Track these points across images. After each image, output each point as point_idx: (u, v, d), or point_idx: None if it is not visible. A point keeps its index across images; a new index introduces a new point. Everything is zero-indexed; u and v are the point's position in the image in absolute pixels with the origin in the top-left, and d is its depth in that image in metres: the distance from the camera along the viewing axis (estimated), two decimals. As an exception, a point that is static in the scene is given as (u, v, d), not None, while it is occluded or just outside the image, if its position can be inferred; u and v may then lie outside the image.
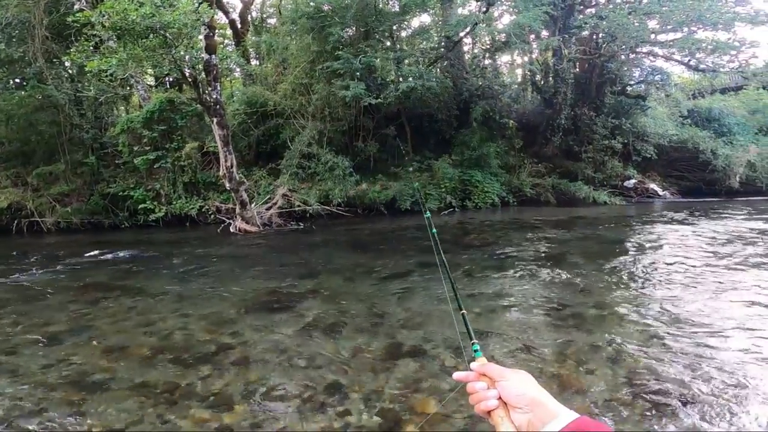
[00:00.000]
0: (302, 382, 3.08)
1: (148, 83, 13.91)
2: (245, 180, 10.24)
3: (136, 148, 11.44)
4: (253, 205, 10.33)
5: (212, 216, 10.96)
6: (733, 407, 2.61)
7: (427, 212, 1.51)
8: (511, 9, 13.70)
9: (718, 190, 14.02)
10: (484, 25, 12.10)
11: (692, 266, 5.84)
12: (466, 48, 15.20)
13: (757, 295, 4.57)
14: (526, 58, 15.58)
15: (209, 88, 9.26)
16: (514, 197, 12.58)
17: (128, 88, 12.79)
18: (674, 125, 15.03)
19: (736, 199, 13.10)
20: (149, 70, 12.04)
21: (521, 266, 6.14)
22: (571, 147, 13.85)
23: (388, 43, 13.60)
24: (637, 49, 13.55)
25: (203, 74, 9.39)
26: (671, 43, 12.71)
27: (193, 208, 11.03)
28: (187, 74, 9.50)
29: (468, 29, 12.66)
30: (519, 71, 17.13)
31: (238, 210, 9.83)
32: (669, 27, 12.50)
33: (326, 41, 11.55)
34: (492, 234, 8.78)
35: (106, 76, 9.58)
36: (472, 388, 0.75)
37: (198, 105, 10.51)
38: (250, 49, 15.55)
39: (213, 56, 9.15)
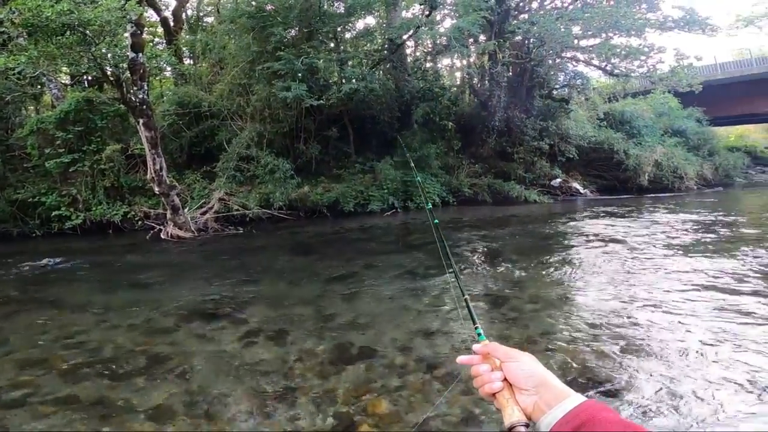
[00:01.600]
0: (249, 388, 2.94)
1: (63, 82, 12.64)
2: (177, 184, 9.63)
3: (48, 151, 10.36)
4: (186, 210, 9.74)
5: (140, 222, 10.20)
6: (664, 398, 2.81)
7: (429, 204, 1.49)
8: (452, 13, 14.15)
9: (630, 188, 15.45)
10: (427, 28, 12.40)
11: (616, 257, 6.39)
12: (408, 51, 15.57)
13: (680, 282, 5.04)
14: (464, 62, 16.16)
15: (135, 88, 8.63)
16: (453, 197, 12.99)
17: (39, 86, 11.55)
18: (592, 127, 16.36)
19: (646, 196, 14.55)
20: (64, 68, 10.99)
21: (461, 264, 6.35)
22: (505, 148, 14.58)
23: (332, 45, 13.55)
24: (563, 54, 14.59)
25: (128, 73, 8.72)
26: (591, 48, 13.86)
27: (116, 214, 10.19)
28: (109, 73, 8.79)
29: (411, 32, 12.92)
30: (458, 74, 17.80)
31: (169, 215, 9.22)
32: (590, 33, 13.62)
33: (267, 41, 11.23)
34: (433, 234, 8.95)
35: (14, 74, 8.58)
36: (476, 370, 0.73)
37: (121, 105, 9.74)
38: (184, 48, 14.73)
39: (140, 55, 8.55)
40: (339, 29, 13.55)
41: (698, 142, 18.82)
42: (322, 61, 11.27)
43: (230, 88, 12.12)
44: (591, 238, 8.05)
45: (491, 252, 7.11)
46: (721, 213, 10.60)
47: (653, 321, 3.92)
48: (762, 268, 5.34)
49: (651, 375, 2.97)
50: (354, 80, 11.53)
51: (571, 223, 9.95)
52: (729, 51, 34.38)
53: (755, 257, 5.85)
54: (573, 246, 7.47)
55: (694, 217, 10.12)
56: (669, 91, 17.12)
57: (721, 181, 18.48)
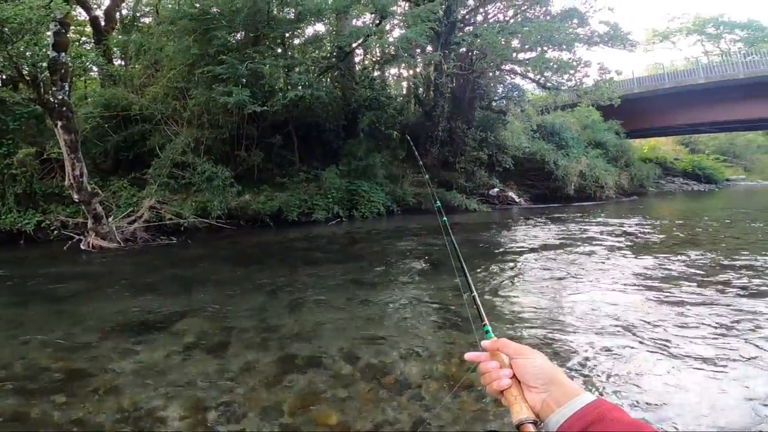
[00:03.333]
0: (187, 403, 2.73)
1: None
2: (99, 191, 8.85)
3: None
4: (111, 218, 8.97)
5: (55, 232, 9.23)
6: (607, 389, 3.00)
7: (437, 202, 1.43)
8: (402, 23, 14.36)
9: (559, 197, 16.49)
10: (376, 37, 12.47)
11: (553, 261, 6.79)
12: (357, 59, 15.57)
13: (603, 286, 5.39)
14: (411, 72, 16.46)
15: (54, 88, 7.88)
16: (398, 206, 13.10)
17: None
18: (527, 138, 17.20)
19: (572, 204, 15.64)
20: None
21: (406, 272, 6.42)
22: (447, 158, 14.99)
23: (279, 50, 13.25)
24: (502, 66, 15.32)
25: (47, 73, 7.99)
26: (527, 61, 14.67)
27: (28, 223, 9.15)
28: (25, 72, 7.99)
29: (360, 40, 12.93)
30: (404, 84, 18.07)
31: (90, 224, 8.43)
32: (527, 47, 14.41)
33: (210, 45, 10.72)
34: (378, 242, 9.03)
35: None
36: (485, 367, 0.72)
37: (37, 106, 8.84)
38: (115, 49, 13.74)
39: (62, 54, 7.85)
40: (287, 35, 13.29)
41: (616, 153, 20.55)
42: (268, 66, 10.94)
43: (165, 92, 11.41)
44: (526, 244, 8.52)
45: (435, 260, 7.24)
46: (638, 219, 11.73)
47: (587, 318, 4.20)
48: (677, 266, 6.01)
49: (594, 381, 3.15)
50: (300, 87, 11.32)
51: (509, 230, 10.51)
52: (645, 66, 38.15)
53: (672, 257, 6.50)
54: (512, 252, 7.83)
55: (616, 223, 11.12)
56: (592, 105, 18.37)
57: (636, 190, 20.26)
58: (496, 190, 15.66)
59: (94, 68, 12.97)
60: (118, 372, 3.18)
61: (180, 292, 5.32)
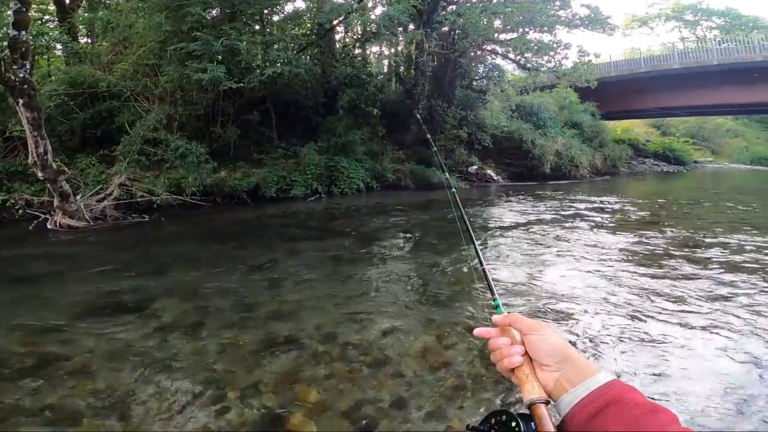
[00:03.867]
0: (165, 385, 2.70)
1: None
2: (65, 168, 8.44)
3: None
4: (78, 197, 8.60)
5: (20, 211, 8.81)
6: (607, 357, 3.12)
7: (446, 174, 1.36)
8: (384, 1, 14.01)
9: (535, 175, 16.77)
10: (358, 14, 12.09)
11: (530, 238, 6.95)
12: (337, 37, 15.19)
13: (589, 260, 5.63)
14: (392, 50, 16.18)
15: (15, 67, 7.47)
16: (377, 182, 13.06)
17: None
18: (506, 118, 17.34)
19: (548, 183, 16.03)
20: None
21: (386, 249, 6.45)
22: (427, 135, 14.94)
23: (257, 27, 12.74)
24: (483, 47, 15.23)
25: (7, 51, 7.55)
26: (508, 42, 14.62)
27: (-9, 202, 8.70)
28: (-15, 52, 7.50)
29: (341, 18, 12.56)
30: (386, 62, 17.77)
31: (57, 203, 8.07)
32: (509, 27, 14.35)
33: (183, 21, 10.19)
34: (358, 219, 9.01)
35: None
36: (495, 344, 0.68)
37: (-2, 85, 8.30)
38: (81, 27, 13.04)
39: (23, 33, 7.43)
40: (266, 11, 12.75)
41: (592, 134, 20.95)
42: (245, 43, 10.53)
43: (135, 68, 10.95)
44: (505, 220, 8.71)
45: (414, 236, 7.29)
46: (614, 198, 12.13)
47: (572, 301, 4.33)
48: (659, 242, 6.31)
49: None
50: (279, 64, 10.99)
51: (488, 207, 10.69)
52: (622, 50, 38.51)
53: (654, 233, 6.74)
54: (491, 228, 7.96)
55: (594, 201, 11.49)
56: (570, 86, 18.55)
57: (609, 170, 20.85)
58: (474, 167, 15.81)
59: (58, 46, 12.47)
60: (92, 355, 3.10)
61: (154, 271, 5.19)
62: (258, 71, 10.86)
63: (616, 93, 23.84)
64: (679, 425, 0.49)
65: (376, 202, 11.28)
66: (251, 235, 7.57)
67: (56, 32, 11.17)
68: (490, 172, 16.17)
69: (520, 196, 12.27)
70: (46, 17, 14.17)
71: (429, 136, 2.92)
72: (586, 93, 19.54)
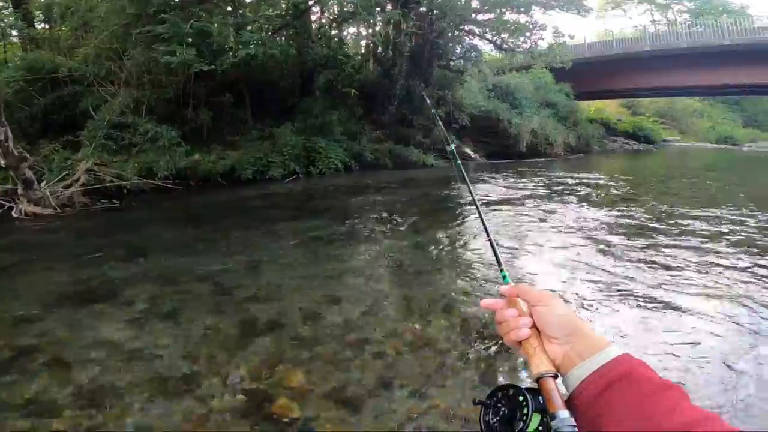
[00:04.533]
0: (145, 374, 2.64)
1: None
2: (27, 155, 8.02)
3: None
4: (43, 183, 8.22)
5: (-19, 200, 8.35)
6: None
7: (451, 145, 1.33)
8: None
9: (512, 153, 17.13)
10: None
11: (508, 215, 7.09)
12: (313, 17, 14.78)
13: (578, 233, 5.96)
14: (370, 31, 15.91)
15: None
16: (356, 162, 12.99)
17: None
18: (483, 98, 17.55)
19: (524, 161, 16.40)
20: None
21: (365, 227, 6.44)
22: (405, 115, 15.08)
23: (229, 8, 12.27)
24: (461, 27, 15.16)
25: None
26: (486, 22, 14.59)
27: (-53, 191, 8.19)
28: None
29: None
30: (363, 43, 17.52)
31: (21, 191, 7.68)
32: (486, 8, 14.27)
33: (148, 3, 9.75)
34: (336, 198, 8.97)
35: None
36: (502, 315, 0.65)
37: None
38: (37, 12, 12.38)
39: None
40: None
41: (566, 114, 21.44)
42: (216, 25, 10.14)
43: (98, 53, 10.55)
44: (496, 196, 8.95)
45: (393, 214, 7.29)
46: (588, 174, 12.54)
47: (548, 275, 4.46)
48: (640, 215, 6.67)
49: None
50: (252, 45, 10.65)
51: (473, 184, 10.80)
52: (596, 32, 38.94)
53: (622, 208, 6.97)
54: (469, 205, 8.09)
55: (568, 177, 12.00)
56: (546, 67, 19.02)
57: (582, 148, 21.43)
58: (452, 146, 15.92)
59: (14, 32, 12.03)
60: (68, 346, 3.00)
61: (127, 258, 5.02)
62: (230, 53, 10.63)
63: (589, 74, 24.37)
64: (689, 402, 0.47)
65: (355, 181, 11.22)
66: (228, 217, 7.43)
67: (11, 18, 10.81)
68: (468, 150, 16.40)
69: (501, 173, 12.60)
70: (0, 3, 13.45)
71: (434, 110, 2.88)
72: (560, 74, 20.08)
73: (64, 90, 10.32)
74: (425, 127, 15.25)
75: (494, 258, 0.82)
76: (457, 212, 7.66)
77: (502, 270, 0.76)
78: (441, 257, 5.04)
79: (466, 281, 4.28)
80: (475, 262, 4.89)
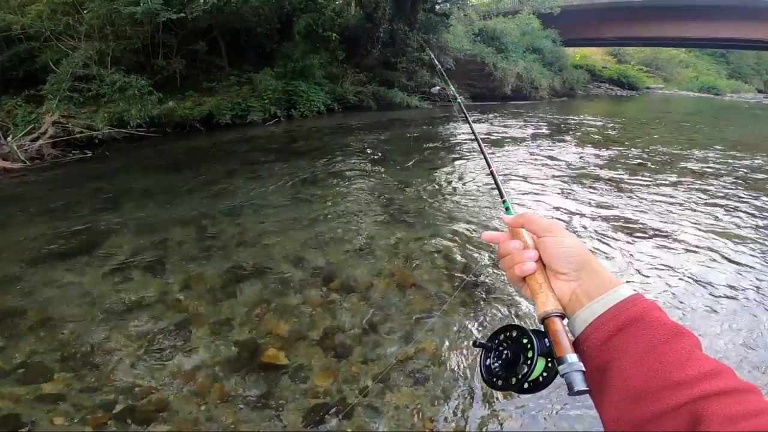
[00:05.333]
0: (132, 329, 2.63)
1: None
2: (-11, 113, 7.53)
3: None
4: (9, 138, 7.78)
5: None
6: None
7: (451, 87, 1.27)
8: None
9: (497, 96, 17.20)
10: None
11: (513, 151, 7.49)
12: None
13: (572, 171, 6.25)
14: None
15: None
16: (339, 104, 12.69)
17: None
18: (468, 42, 17.21)
19: (509, 103, 16.53)
20: None
21: (350, 168, 6.35)
22: (389, 58, 14.68)
23: None
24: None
25: None
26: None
27: None
28: None
29: None
30: (345, -15, 16.49)
31: (-13, 146, 7.28)
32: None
33: None
34: (319, 140, 8.81)
35: None
36: (505, 248, 0.59)
37: None
38: None
39: None
40: None
41: (552, 59, 21.26)
42: None
43: (52, 8, 9.75)
44: (465, 138, 8.89)
45: (377, 155, 7.22)
46: (574, 116, 12.85)
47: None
48: (632, 153, 6.75)
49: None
50: None
51: (450, 125, 10.98)
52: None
53: (609, 148, 7.10)
54: (452, 145, 8.21)
55: (549, 118, 12.22)
56: (533, 13, 19.08)
57: (567, 92, 21.53)
58: (437, 88, 15.90)
59: None
60: (51, 304, 2.93)
61: (104, 208, 4.86)
62: (202, 0, 9.95)
63: (576, 21, 24.23)
64: (701, 350, 0.45)
65: (338, 123, 10.97)
66: (207, 162, 7.19)
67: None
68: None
69: (485, 114, 12.71)
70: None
71: (432, 56, 2.75)
72: (548, 20, 20.17)
73: (20, 46, 9.78)
74: (409, 70, 14.91)
75: (495, 189, 0.75)
76: (443, 152, 7.67)
77: (504, 201, 0.69)
78: (427, 197, 5.03)
79: (454, 221, 4.29)
80: (463, 201, 4.91)
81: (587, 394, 0.48)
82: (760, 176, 6.26)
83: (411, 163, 6.57)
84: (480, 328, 2.66)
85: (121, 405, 2.08)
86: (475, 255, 3.61)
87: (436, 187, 5.50)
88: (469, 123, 0.93)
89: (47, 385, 2.20)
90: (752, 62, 43.55)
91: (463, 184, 5.59)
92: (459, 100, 1.24)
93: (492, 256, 3.57)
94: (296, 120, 11.26)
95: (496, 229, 4.10)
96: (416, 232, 4.02)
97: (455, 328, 2.65)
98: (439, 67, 1.90)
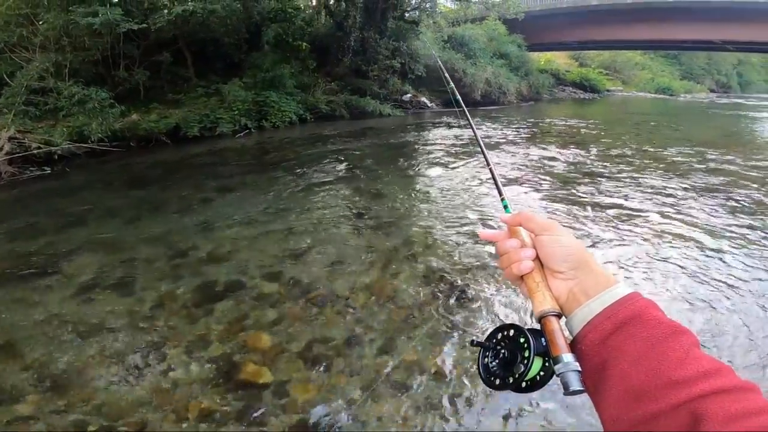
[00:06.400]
0: (103, 349, 2.50)
1: None
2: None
3: None
4: (-38, 154, 7.33)
5: None
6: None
7: (450, 83, 1.24)
8: None
9: (468, 101, 17.32)
10: None
11: (462, 161, 7.22)
12: None
13: (549, 169, 6.62)
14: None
15: None
16: (311, 114, 12.61)
17: None
18: (438, 48, 17.50)
19: (479, 108, 16.92)
20: None
21: (324, 179, 6.30)
22: (360, 66, 14.77)
23: None
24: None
25: None
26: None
27: None
28: None
29: None
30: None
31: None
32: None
33: None
34: (292, 150, 8.71)
35: None
36: (503, 247, 0.58)
37: None
38: None
39: None
40: None
41: (518, 64, 21.93)
42: None
43: (6, 20, 9.53)
44: (438, 144, 9.18)
45: (351, 165, 7.20)
46: (543, 119, 13.32)
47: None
48: (564, 150, 6.87)
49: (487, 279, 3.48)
50: (190, 2, 9.77)
51: (422, 132, 11.23)
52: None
53: (560, 143, 7.26)
54: (425, 152, 8.32)
55: (521, 122, 12.64)
56: (499, 19, 19.55)
57: (533, 96, 22.21)
58: (408, 95, 16.11)
59: None
60: (17, 327, 2.75)
61: (65, 227, 4.63)
62: (165, 11, 9.82)
63: (540, 26, 25.05)
64: (700, 349, 0.44)
65: (310, 133, 10.89)
66: (175, 176, 6.98)
67: None
68: (423, 99, 16.67)
69: (452, 120, 12.95)
70: None
71: (434, 52, 2.70)
72: (513, 25, 20.75)
73: (-31, 60, 9.37)
74: (380, 78, 15.03)
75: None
76: (415, 159, 7.71)
77: (503, 199, 0.69)
78: (402, 205, 5.03)
79: (430, 229, 4.30)
80: (437, 209, 4.93)
81: (583, 394, 0.48)
82: (726, 169, 6.82)
83: (385, 171, 6.58)
84: (462, 333, 2.66)
85: (94, 426, 1.98)
86: (453, 261, 3.62)
87: (412, 194, 5.52)
88: (471, 126, 0.93)
89: (19, 407, 2.10)
90: (703, 63, 46.09)
91: (440, 191, 5.62)
92: (451, 85, 1.24)
93: (466, 260, 3.59)
94: (268, 131, 11.11)
95: (475, 234, 4.14)
96: (393, 240, 4.00)
97: (436, 337, 2.63)
98: (448, 78, 1.87)
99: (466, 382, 2.24)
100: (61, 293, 3.17)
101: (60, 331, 2.70)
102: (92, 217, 4.93)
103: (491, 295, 3.08)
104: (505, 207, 0.66)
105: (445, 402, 2.12)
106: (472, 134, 0.86)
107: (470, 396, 2.15)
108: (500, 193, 0.70)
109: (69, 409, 2.08)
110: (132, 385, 2.23)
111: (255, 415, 2.05)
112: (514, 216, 0.60)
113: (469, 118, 0.99)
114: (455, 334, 2.65)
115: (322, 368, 2.34)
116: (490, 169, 0.76)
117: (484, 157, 0.81)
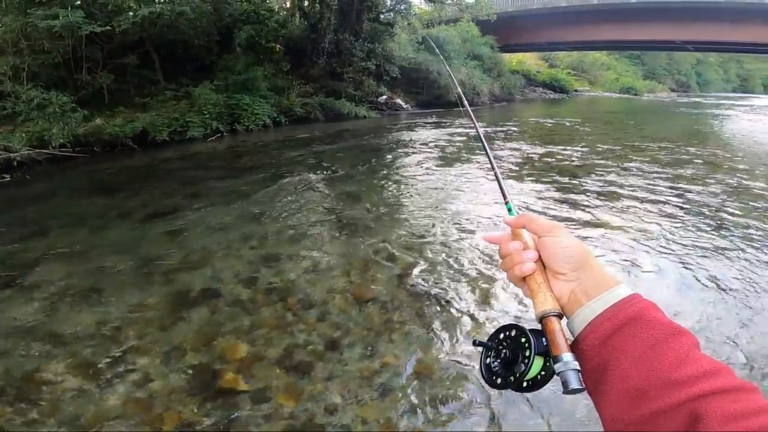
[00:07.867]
0: (72, 362, 2.38)
1: None
2: None
3: None
4: None
5: None
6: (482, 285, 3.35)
7: (458, 88, 1.20)
8: None
9: (442, 103, 17.65)
10: None
11: (437, 163, 7.24)
12: None
13: (532, 167, 6.92)
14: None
15: None
16: (285, 117, 12.44)
17: None
18: (413, 50, 17.63)
19: (454, 110, 17.03)
20: None
21: (299, 182, 6.21)
22: (335, 68, 14.66)
23: None
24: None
25: None
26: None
27: None
28: None
29: None
30: (288, -3, 16.44)
31: None
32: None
33: None
34: (266, 154, 8.57)
35: None
36: (506, 249, 0.59)
37: None
38: None
39: None
40: None
41: (491, 65, 22.32)
42: None
43: None
44: (415, 145, 9.22)
45: (327, 167, 7.13)
46: (517, 119, 13.50)
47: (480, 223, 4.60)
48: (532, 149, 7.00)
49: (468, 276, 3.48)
50: (157, 3, 9.52)
51: (397, 133, 11.28)
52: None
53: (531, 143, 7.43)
54: (401, 153, 8.42)
55: (497, 121, 13.11)
56: (472, 20, 19.77)
57: (505, 97, 22.67)
58: (384, 97, 16.12)
59: None
60: None
61: (28, 237, 4.39)
62: (131, 13, 9.49)
63: (511, 27, 25.51)
64: (700, 350, 0.45)
65: (285, 136, 10.75)
66: (143, 182, 6.75)
67: None
68: (399, 101, 16.70)
69: (427, 121, 13.14)
70: None
71: (448, 70, 2.69)
72: (485, 27, 20.99)
73: None
74: (355, 80, 14.98)
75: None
76: (392, 161, 7.72)
77: (507, 202, 0.69)
78: (378, 208, 5.01)
79: (406, 231, 4.29)
80: (414, 210, 4.93)
81: (582, 393, 0.48)
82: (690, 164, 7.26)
83: (361, 174, 6.54)
84: (441, 334, 2.65)
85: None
86: (430, 262, 3.62)
87: (388, 197, 5.51)
88: (475, 126, 0.93)
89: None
90: (664, 63, 47.98)
91: (414, 194, 5.62)
92: (460, 95, 1.24)
93: (443, 260, 3.60)
94: (241, 135, 10.90)
95: (453, 233, 4.15)
96: (370, 243, 3.98)
97: (416, 339, 2.61)
98: (451, 74, 1.88)
99: (448, 383, 2.23)
100: (26, 304, 3.00)
101: (25, 341, 2.56)
102: (56, 226, 4.70)
103: (468, 295, 3.09)
104: (509, 210, 0.67)
105: (428, 403, 2.10)
106: (475, 134, 0.87)
107: (453, 396, 2.14)
108: (504, 197, 0.71)
109: (38, 422, 2.00)
110: (104, 395, 2.14)
111: (236, 424, 1.99)
112: (517, 218, 0.61)
113: (474, 119, 0.99)
114: (434, 336, 2.64)
115: (301, 374, 2.29)
116: (495, 173, 0.77)
117: (489, 159, 0.82)
